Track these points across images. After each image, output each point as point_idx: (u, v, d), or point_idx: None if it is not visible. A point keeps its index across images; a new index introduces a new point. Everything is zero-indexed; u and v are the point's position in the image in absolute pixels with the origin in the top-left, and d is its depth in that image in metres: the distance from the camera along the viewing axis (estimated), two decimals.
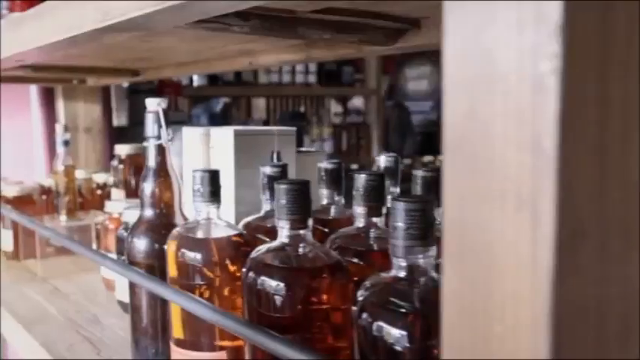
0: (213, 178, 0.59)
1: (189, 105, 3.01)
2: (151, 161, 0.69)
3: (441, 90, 0.26)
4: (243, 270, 0.50)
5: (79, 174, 1.40)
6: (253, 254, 0.51)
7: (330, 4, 0.59)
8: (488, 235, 0.24)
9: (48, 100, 1.67)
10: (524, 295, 0.23)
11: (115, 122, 1.93)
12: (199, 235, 0.59)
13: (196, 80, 2.81)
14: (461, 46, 0.24)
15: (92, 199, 1.39)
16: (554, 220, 0.22)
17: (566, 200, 0.22)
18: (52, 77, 1.49)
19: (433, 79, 5.70)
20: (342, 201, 0.69)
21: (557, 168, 0.22)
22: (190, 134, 0.77)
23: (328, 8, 0.64)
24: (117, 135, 1.84)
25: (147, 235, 0.68)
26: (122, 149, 1.29)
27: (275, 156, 0.72)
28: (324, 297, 0.48)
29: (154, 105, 0.69)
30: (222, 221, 0.60)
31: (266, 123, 3.09)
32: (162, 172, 0.69)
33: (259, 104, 3.79)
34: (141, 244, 0.68)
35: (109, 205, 1.03)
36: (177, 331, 0.60)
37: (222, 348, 0.58)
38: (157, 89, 2.01)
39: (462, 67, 0.25)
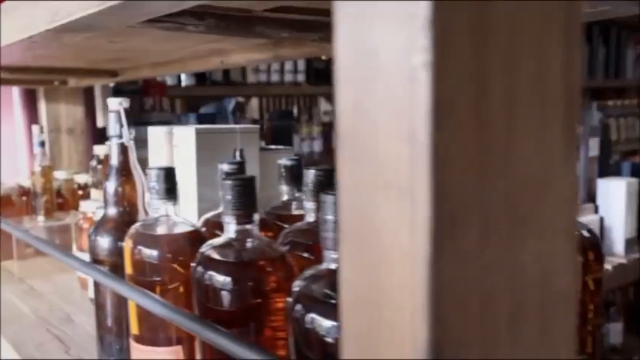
0: (168, 175, 0.59)
1: (181, 105, 3.01)
2: (114, 160, 0.70)
3: None
4: (192, 265, 0.51)
5: (60, 175, 1.41)
6: (202, 249, 0.51)
7: (281, 3, 0.60)
8: (375, 225, 0.25)
9: (30, 101, 1.67)
10: (407, 282, 0.24)
11: (100, 123, 1.93)
12: (155, 232, 0.60)
13: (184, 80, 2.81)
14: (348, 40, 0.25)
15: (73, 199, 1.40)
16: (430, 208, 0.23)
17: (442, 189, 0.23)
18: (33, 79, 1.50)
19: None
20: (303, 197, 0.70)
21: (431, 158, 0.22)
22: (155, 133, 0.78)
23: (286, 7, 0.65)
24: (101, 136, 1.85)
25: (109, 233, 0.69)
26: (101, 149, 1.30)
27: (237, 154, 0.73)
28: (269, 291, 0.49)
29: (115, 104, 0.69)
30: (178, 218, 0.61)
31: (256, 122, 3.09)
32: (125, 170, 0.70)
33: (252, 104, 3.80)
34: (104, 242, 0.69)
35: (83, 205, 1.04)
36: (134, 327, 0.60)
37: (178, 342, 0.59)
38: (142, 90, 2.02)
39: (349, 61, 0.25)
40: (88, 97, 1.77)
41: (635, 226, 1.73)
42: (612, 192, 1.71)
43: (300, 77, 3.24)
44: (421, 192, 0.23)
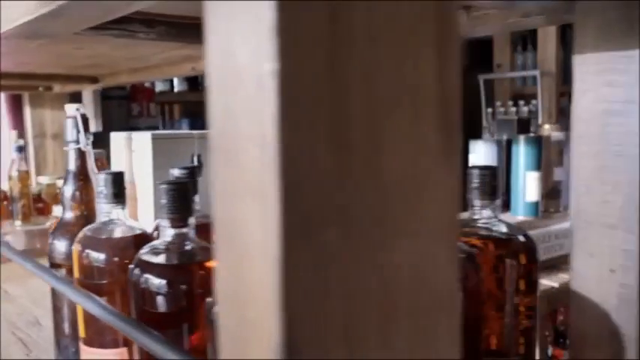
0: (115, 180, 0.60)
1: (178, 111, 3.01)
2: (71, 165, 0.71)
3: None
4: (130, 267, 0.52)
5: (43, 180, 1.42)
6: (139, 252, 0.52)
7: None
8: (239, 226, 0.26)
9: (15, 107, 1.69)
10: (264, 282, 0.25)
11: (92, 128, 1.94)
12: (102, 235, 0.61)
13: (177, 85, 2.83)
14: (216, 44, 0.26)
15: (54, 204, 1.41)
16: (280, 210, 0.23)
17: (293, 191, 0.24)
18: (17, 84, 1.52)
19: None
20: None
21: (278, 161, 0.23)
22: (116, 138, 0.79)
23: None
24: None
25: (66, 237, 0.70)
26: None
27: (195, 159, 0.74)
28: (203, 293, 0.49)
29: (72, 110, 0.70)
30: (127, 222, 0.62)
31: None
32: (82, 175, 0.71)
33: None
34: (61, 246, 0.70)
35: (55, 210, 1.05)
36: (82, 330, 0.61)
37: (125, 344, 0.59)
38: (130, 95, 2.03)
39: (217, 66, 0.26)
40: (76, 103, 1.78)
41: None
42: None
43: None
44: (271, 194, 0.23)
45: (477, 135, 2.33)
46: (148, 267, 0.50)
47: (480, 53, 4.46)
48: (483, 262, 0.51)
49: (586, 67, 0.45)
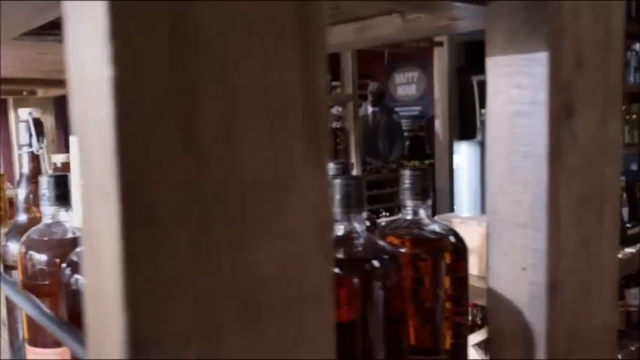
0: (58, 182, 0.61)
1: None
2: (25, 168, 0.72)
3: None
4: (62, 267, 0.53)
5: None
6: (72, 253, 0.53)
7: None
8: (95, 228, 0.27)
9: (0, 111, 1.70)
10: (111, 284, 0.25)
11: None
12: (44, 237, 0.62)
13: None
14: (71, 53, 0.27)
15: None
16: (122, 214, 0.24)
17: (135, 195, 0.25)
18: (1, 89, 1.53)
19: (422, 84, 5.74)
20: None
21: (118, 166, 0.24)
22: (74, 141, 0.80)
23: None
24: None
25: (17, 239, 0.71)
26: (58, 158, 1.32)
27: None
28: None
29: (25, 114, 0.72)
30: (70, 224, 0.63)
31: None
32: (35, 178, 0.72)
33: None
34: (13, 248, 0.71)
35: None
36: (25, 330, 0.62)
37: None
38: None
39: (73, 73, 0.27)
40: (60, 107, 1.80)
41: None
42: None
43: None
44: (112, 197, 0.24)
45: (472, 135, 2.34)
46: (78, 267, 0.51)
47: (474, 55, 4.47)
48: (408, 261, 0.52)
49: (497, 69, 0.46)
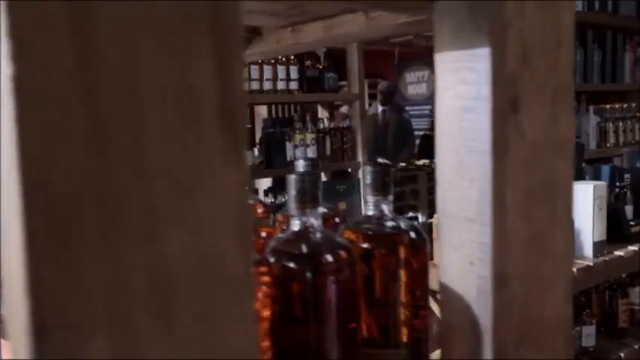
0: None
1: None
2: None
3: None
4: None
5: None
6: None
7: None
8: (6, 223, 0.28)
9: None
10: (17, 274, 0.26)
11: None
12: None
13: None
14: None
15: None
16: (23, 209, 0.25)
17: (36, 191, 0.25)
18: None
19: (432, 83, 5.72)
20: None
21: (19, 162, 0.25)
22: None
23: None
24: None
25: None
26: None
27: None
28: None
29: None
30: None
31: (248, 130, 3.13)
32: None
33: (261, 111, 3.89)
34: None
35: None
36: None
37: None
38: None
39: None
40: None
41: (604, 229, 1.73)
42: (580, 195, 1.70)
43: (293, 85, 3.28)
44: (14, 192, 0.25)
45: None
46: None
47: None
48: (362, 256, 0.53)
49: (445, 65, 0.47)
